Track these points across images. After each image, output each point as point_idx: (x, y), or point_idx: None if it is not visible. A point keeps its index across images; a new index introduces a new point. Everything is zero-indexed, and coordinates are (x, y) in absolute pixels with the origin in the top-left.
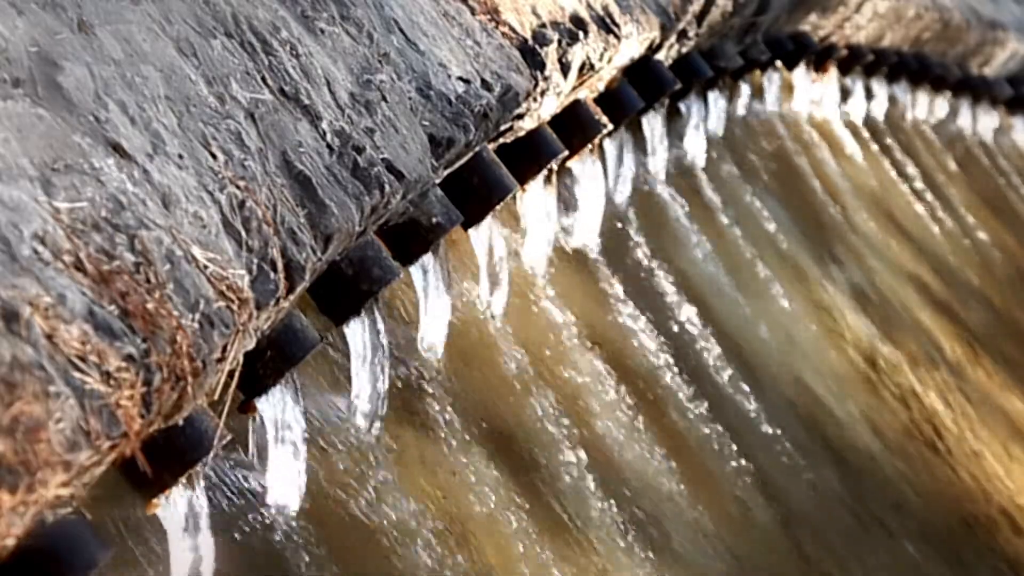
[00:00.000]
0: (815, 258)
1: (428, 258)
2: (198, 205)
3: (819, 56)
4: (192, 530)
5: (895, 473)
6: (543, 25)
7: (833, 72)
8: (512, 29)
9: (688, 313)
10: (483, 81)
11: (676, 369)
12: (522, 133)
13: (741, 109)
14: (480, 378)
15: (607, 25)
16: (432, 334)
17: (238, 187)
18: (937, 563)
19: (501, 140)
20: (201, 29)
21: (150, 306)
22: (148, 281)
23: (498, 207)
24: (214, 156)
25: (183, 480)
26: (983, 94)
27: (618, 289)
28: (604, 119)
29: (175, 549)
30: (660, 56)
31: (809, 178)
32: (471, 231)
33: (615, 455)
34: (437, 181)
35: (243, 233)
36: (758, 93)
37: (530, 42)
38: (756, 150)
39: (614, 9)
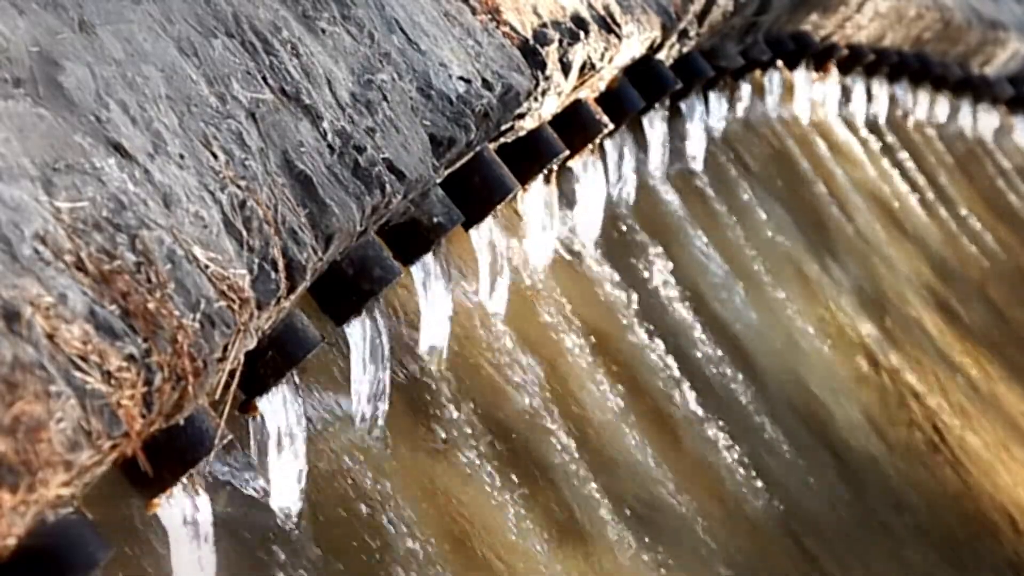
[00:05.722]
0: (816, 258)
1: (429, 258)
2: (199, 205)
3: (820, 56)
4: (192, 530)
5: (896, 473)
6: (544, 25)
7: (834, 72)
8: (513, 29)
9: (688, 312)
10: (484, 81)
11: (676, 368)
12: (523, 133)
13: (742, 109)
14: (481, 378)
15: (608, 25)
16: (433, 334)
17: (239, 187)
18: (938, 563)
19: (502, 140)
20: (202, 29)
21: (151, 306)
22: (149, 281)
23: (499, 207)
24: (215, 156)
25: (184, 480)
26: (984, 94)
27: (618, 288)
28: (605, 119)
29: (175, 549)
30: (661, 56)
31: (810, 178)
32: (472, 231)
33: (615, 454)
34: (438, 181)
35: (244, 233)
36: (759, 93)
37: (531, 42)
38: (757, 150)
39: (615, 9)
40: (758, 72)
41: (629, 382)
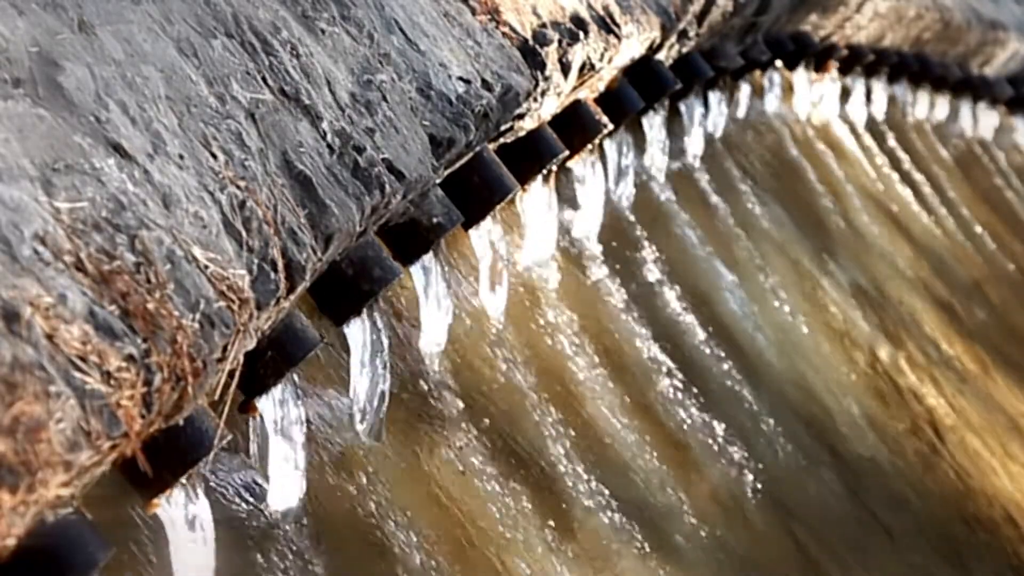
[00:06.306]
0: (815, 258)
1: (428, 258)
2: (199, 205)
3: (820, 56)
4: (192, 530)
5: (895, 473)
6: (543, 25)
7: (834, 72)
8: (512, 29)
9: (687, 313)
10: (483, 81)
11: (675, 368)
12: (523, 133)
13: (741, 109)
14: (480, 378)
15: (608, 25)
16: (432, 334)
17: (239, 187)
18: (938, 564)
19: (502, 140)
20: (202, 29)
21: (151, 306)
22: (149, 281)
23: (499, 207)
24: (215, 156)
25: (183, 480)
26: (984, 94)
27: (618, 289)
28: (604, 119)
29: (175, 549)
30: (661, 56)
31: (809, 178)
32: (471, 231)
33: (615, 454)
34: (437, 181)
35: (244, 233)
36: (759, 93)
37: (530, 42)
38: (757, 150)
39: (615, 9)
40: (758, 72)
41: (629, 382)
